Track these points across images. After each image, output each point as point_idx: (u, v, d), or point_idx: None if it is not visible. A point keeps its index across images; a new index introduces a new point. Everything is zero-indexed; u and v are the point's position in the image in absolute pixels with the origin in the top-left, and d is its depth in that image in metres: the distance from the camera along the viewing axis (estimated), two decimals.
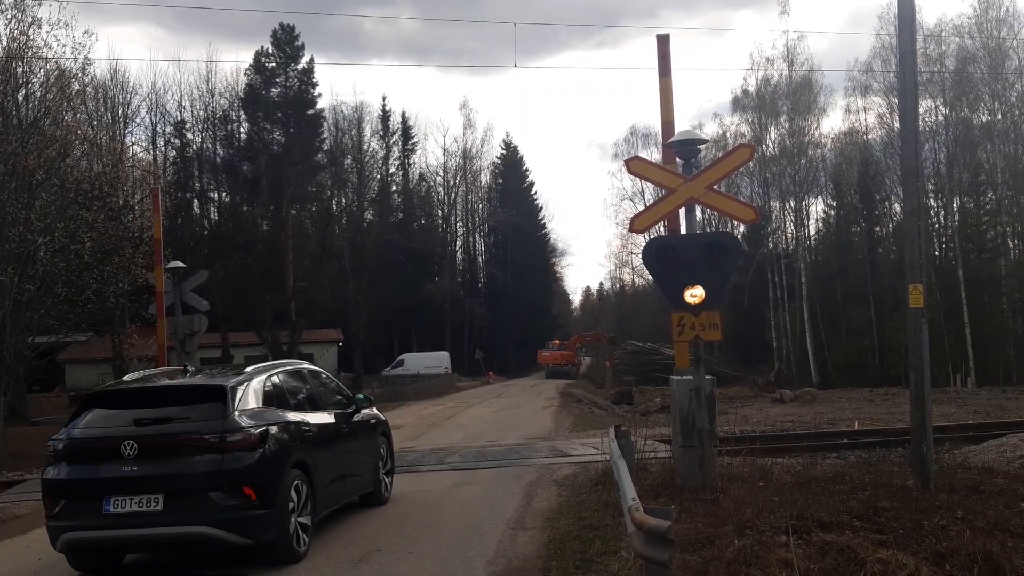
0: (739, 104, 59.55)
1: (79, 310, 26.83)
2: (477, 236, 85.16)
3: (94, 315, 28.72)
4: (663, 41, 11.44)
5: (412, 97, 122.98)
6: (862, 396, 36.24)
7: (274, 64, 61.35)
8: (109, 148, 34.24)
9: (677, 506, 7.79)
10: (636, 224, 10.12)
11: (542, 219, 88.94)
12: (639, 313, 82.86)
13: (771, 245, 59.88)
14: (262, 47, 61.96)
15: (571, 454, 14.15)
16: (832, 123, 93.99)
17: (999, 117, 50.76)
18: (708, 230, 37.83)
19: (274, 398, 8.25)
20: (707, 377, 9.47)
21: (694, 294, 9.06)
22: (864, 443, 16.55)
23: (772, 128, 57.30)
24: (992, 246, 51.87)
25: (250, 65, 60.46)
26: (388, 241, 54.74)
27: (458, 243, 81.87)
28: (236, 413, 7.50)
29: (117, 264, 28.44)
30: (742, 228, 51.10)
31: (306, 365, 9.96)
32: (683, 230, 10.17)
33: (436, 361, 58.77)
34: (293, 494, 7.76)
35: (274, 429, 7.75)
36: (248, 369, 8.57)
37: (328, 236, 43.22)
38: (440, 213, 79.79)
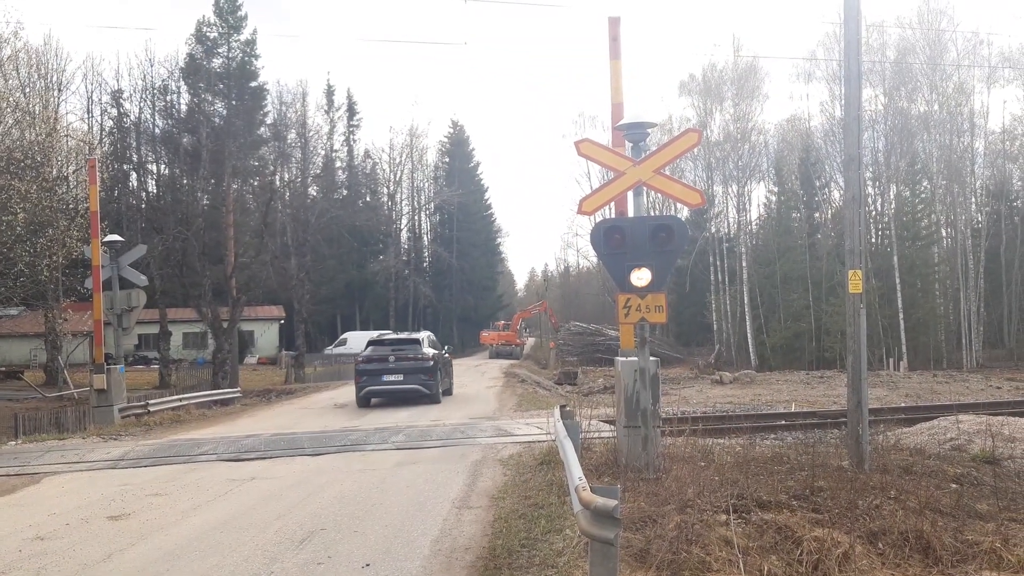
0: (685, 88, 60.17)
1: (10, 284, 26.11)
2: (423, 215, 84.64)
3: (26, 288, 27.97)
4: (614, 23, 11.43)
5: (358, 73, 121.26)
6: (799, 379, 37.08)
7: (216, 34, 59.89)
8: (42, 116, 33.26)
9: (620, 485, 7.86)
10: (585, 206, 10.14)
11: (488, 199, 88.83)
12: (583, 294, 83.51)
13: (713, 229, 60.74)
14: (204, 16, 60.65)
15: (515, 434, 14.20)
16: (775, 110, 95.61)
17: (936, 108, 52.01)
18: (652, 213, 38.17)
19: (429, 344, 21.74)
20: (651, 358, 9.57)
21: (640, 276, 9.14)
22: (801, 424, 16.93)
23: (717, 113, 58.05)
24: (926, 234, 53.27)
25: (191, 34, 59.04)
26: (332, 218, 54.08)
27: (403, 221, 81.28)
28: (424, 348, 21.14)
29: (51, 237, 27.72)
30: (685, 211, 51.66)
31: (428, 332, 23.92)
32: (631, 213, 10.22)
33: None
34: (439, 377, 21.42)
35: (434, 355, 21.40)
36: (420, 332, 22.94)
37: (271, 211, 42.35)
38: (385, 191, 79.03)
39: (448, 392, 23.40)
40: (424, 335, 22.18)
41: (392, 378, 20.61)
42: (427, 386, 20.77)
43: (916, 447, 11.03)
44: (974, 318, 50.28)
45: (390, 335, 22.81)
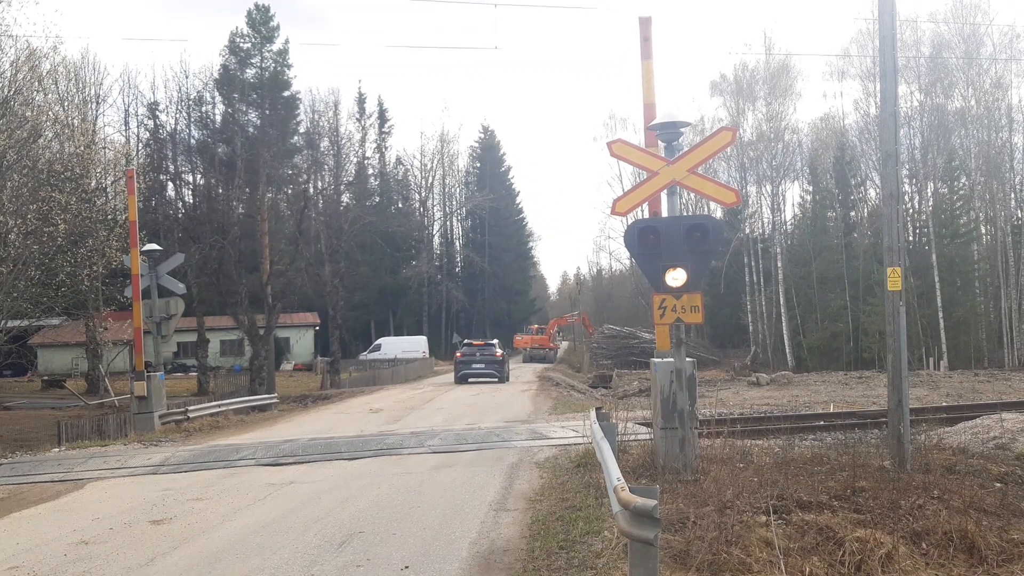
0: (717, 88, 59.84)
1: (52, 293, 26.53)
2: (454, 220, 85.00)
3: (68, 298, 28.42)
4: (645, 24, 11.39)
5: (389, 80, 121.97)
6: (836, 379, 36.62)
7: (249, 45, 60.75)
8: (81, 129, 33.79)
9: (659, 487, 7.83)
10: (619, 207, 10.10)
11: (519, 203, 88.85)
12: (616, 297, 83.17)
13: (747, 230, 60.26)
14: (237, 27, 61.46)
15: (551, 437, 14.17)
16: (808, 108, 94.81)
17: (973, 103, 51.23)
18: (684, 213, 37.98)
19: (500, 347, 37.34)
20: (688, 359, 9.51)
21: (676, 276, 9.09)
22: (840, 425, 16.70)
23: (749, 112, 57.64)
24: (965, 231, 52.39)
25: (225, 45, 59.95)
26: (365, 224, 54.34)
27: (435, 226, 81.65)
28: (496, 348, 36.18)
29: (91, 247, 28.16)
30: (719, 212, 51.31)
31: (496, 340, 40.06)
32: (665, 213, 10.17)
33: (413, 345, 58.78)
34: (507, 368, 37.20)
35: (502, 353, 36.25)
36: (493, 340, 39.63)
37: (305, 219, 42.68)
38: (417, 196, 79.45)
39: (507, 378, 35.83)
40: (495, 341, 37.94)
41: (478, 366, 34.55)
42: (499, 372, 34.60)
43: (959, 446, 10.85)
44: (1016, 316, 49.31)
45: (475, 341, 38.15)
